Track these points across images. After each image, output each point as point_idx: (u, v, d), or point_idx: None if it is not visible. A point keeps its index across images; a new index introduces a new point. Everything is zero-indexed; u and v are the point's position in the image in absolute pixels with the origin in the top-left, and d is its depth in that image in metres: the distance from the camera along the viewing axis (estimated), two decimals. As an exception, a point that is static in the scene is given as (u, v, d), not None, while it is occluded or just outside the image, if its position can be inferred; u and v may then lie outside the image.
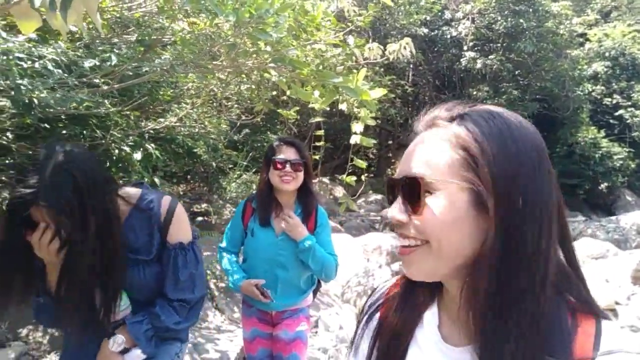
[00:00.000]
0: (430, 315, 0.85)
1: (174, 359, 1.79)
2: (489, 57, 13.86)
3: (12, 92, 1.76)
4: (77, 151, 1.54)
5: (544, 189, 0.70)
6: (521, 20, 13.42)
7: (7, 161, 3.10)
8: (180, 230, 1.71)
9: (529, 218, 0.68)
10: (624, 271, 6.86)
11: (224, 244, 2.65)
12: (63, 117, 2.98)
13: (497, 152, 0.69)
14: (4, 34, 1.88)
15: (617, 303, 6.02)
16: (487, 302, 0.68)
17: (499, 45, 14.41)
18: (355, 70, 2.76)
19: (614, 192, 15.81)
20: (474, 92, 14.02)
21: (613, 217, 12.53)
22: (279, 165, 2.42)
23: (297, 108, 4.47)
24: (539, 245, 0.68)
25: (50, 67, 1.90)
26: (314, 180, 2.72)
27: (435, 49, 14.90)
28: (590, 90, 16.74)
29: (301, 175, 2.46)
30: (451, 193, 0.70)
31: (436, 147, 0.74)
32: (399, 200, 0.76)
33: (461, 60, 14.11)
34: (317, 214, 2.54)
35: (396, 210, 0.76)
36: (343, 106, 2.91)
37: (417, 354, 0.83)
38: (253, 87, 4.46)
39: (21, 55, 1.84)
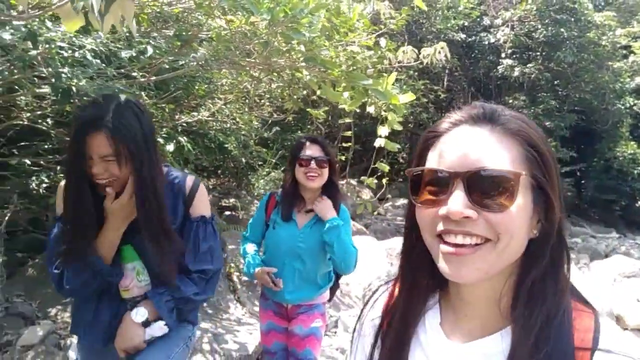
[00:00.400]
0: (432, 315, 0.87)
1: (187, 341, 1.84)
2: (527, 65, 13.56)
3: (53, 80, 1.85)
4: (132, 98, 1.63)
5: None
6: (562, 30, 13.07)
7: (46, 146, 3.23)
8: (203, 204, 1.80)
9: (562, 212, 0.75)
10: (657, 291, 6.62)
11: (248, 233, 2.72)
12: (101, 106, 3.09)
13: (551, 153, 0.74)
14: (48, 24, 1.96)
15: (646, 324, 5.82)
16: (532, 290, 0.72)
17: (538, 53, 14.09)
18: (384, 74, 2.76)
19: (652, 210, 15.28)
20: (510, 101, 13.73)
21: (649, 236, 12.12)
22: (303, 163, 2.46)
23: (327, 108, 4.49)
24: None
25: (89, 56, 1.98)
26: (341, 182, 2.75)
27: (472, 55, 14.68)
28: (632, 104, 16.17)
29: (326, 172, 2.50)
30: (525, 190, 0.70)
31: (509, 142, 0.71)
32: (461, 194, 0.69)
33: (498, 67, 13.84)
34: (339, 210, 2.57)
35: (461, 205, 0.69)
36: (371, 109, 2.91)
37: (420, 353, 0.85)
38: (284, 85, 4.51)
39: (62, 45, 1.92)
